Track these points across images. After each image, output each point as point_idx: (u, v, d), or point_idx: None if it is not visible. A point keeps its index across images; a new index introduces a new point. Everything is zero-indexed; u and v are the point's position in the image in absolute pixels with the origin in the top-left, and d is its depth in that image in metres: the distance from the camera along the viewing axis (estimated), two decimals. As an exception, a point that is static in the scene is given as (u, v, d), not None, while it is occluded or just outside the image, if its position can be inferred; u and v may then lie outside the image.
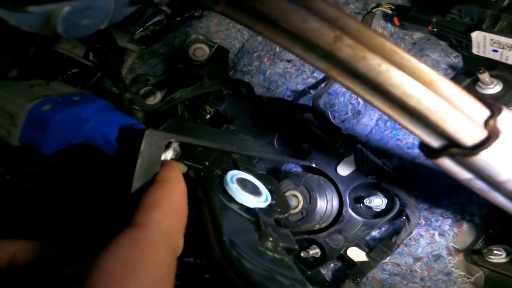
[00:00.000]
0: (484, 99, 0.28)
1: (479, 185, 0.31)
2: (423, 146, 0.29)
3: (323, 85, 0.69)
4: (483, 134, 0.26)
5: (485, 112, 0.27)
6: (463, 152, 0.26)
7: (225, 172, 0.44)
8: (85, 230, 0.39)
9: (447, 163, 0.28)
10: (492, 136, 0.26)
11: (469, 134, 0.26)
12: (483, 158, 0.26)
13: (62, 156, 0.40)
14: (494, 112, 0.27)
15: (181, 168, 0.43)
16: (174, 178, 0.36)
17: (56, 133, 0.38)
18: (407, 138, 0.61)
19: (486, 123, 0.27)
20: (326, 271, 0.68)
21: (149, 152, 0.36)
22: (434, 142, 0.28)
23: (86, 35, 0.32)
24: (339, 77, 0.26)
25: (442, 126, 0.26)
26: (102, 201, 0.40)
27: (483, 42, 0.56)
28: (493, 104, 0.27)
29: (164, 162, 0.38)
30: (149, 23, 0.78)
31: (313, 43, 0.25)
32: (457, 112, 0.26)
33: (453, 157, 0.27)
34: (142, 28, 0.76)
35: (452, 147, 0.27)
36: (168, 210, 0.32)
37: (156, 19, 0.79)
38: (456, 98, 0.26)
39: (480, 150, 0.26)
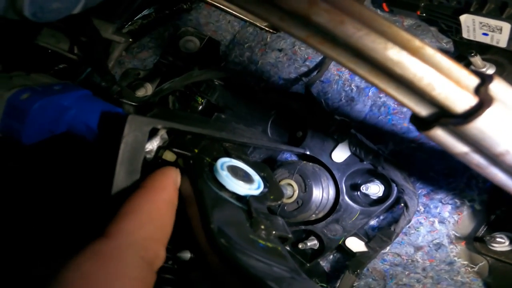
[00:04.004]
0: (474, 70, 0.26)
1: (476, 160, 0.29)
2: (414, 118, 0.28)
3: (315, 73, 0.67)
4: (474, 101, 0.25)
5: (474, 80, 0.26)
6: (455, 121, 0.25)
7: (215, 159, 0.42)
8: (69, 224, 0.38)
9: (440, 134, 0.26)
10: (485, 103, 0.25)
11: (460, 101, 0.25)
12: (477, 127, 0.25)
13: (45, 146, 0.39)
14: (486, 80, 0.26)
15: (169, 156, 0.42)
16: (159, 185, 0.33)
17: (36, 121, 0.37)
18: (402, 123, 0.60)
19: (477, 91, 0.25)
20: (326, 263, 0.67)
21: (133, 138, 0.34)
22: (424, 112, 0.27)
23: (56, 19, 0.30)
24: (319, 45, 0.25)
25: (430, 93, 0.25)
26: (86, 193, 0.38)
27: (472, 26, 0.54)
28: (484, 73, 0.26)
29: (157, 169, 0.35)
30: (137, 17, 0.77)
31: (287, 9, 0.24)
32: (445, 78, 0.25)
33: (445, 127, 0.26)
34: (130, 22, 0.75)
35: (444, 116, 0.26)
36: (145, 219, 0.29)
37: (145, 12, 0.78)
38: (443, 65, 0.25)
39: (473, 118, 0.24)
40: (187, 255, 0.42)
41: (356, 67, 0.26)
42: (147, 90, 0.69)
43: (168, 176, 0.35)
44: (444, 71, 0.25)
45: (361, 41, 0.24)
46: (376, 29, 0.24)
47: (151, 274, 0.28)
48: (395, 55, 0.24)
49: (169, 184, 0.34)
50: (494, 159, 0.28)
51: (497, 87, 0.26)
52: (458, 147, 0.28)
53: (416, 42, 0.25)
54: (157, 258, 0.29)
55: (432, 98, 0.25)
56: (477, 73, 0.27)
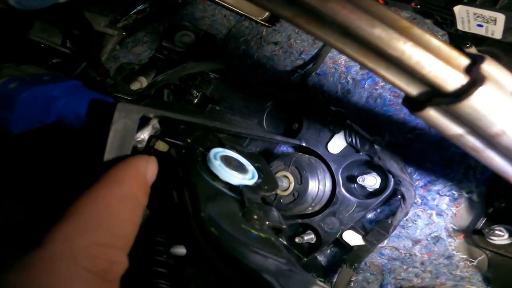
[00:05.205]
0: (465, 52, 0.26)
1: (472, 142, 0.29)
2: (407, 100, 0.27)
3: (311, 65, 0.67)
4: (466, 80, 0.25)
5: (465, 60, 0.26)
6: (448, 100, 0.25)
7: (208, 149, 0.42)
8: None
9: (433, 114, 0.26)
10: (477, 82, 0.24)
11: (451, 80, 0.25)
12: (471, 105, 0.24)
13: (34, 136, 0.38)
14: (477, 60, 0.25)
15: (161, 146, 0.42)
16: (114, 178, 0.29)
17: (25, 110, 0.37)
18: (398, 114, 0.59)
19: (469, 70, 0.25)
20: (323, 258, 0.66)
21: (122, 125, 0.34)
22: (416, 92, 0.26)
23: (42, 8, 0.30)
24: (306, 25, 0.25)
25: (419, 71, 0.24)
26: (75, 184, 0.38)
27: (466, 17, 0.54)
28: (476, 54, 0.26)
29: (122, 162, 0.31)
30: (132, 12, 0.76)
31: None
32: (434, 58, 0.25)
33: (438, 106, 0.25)
34: (125, 17, 0.75)
35: (436, 96, 0.25)
36: (91, 222, 0.26)
37: (139, 7, 0.77)
38: (432, 45, 0.25)
39: (466, 96, 0.24)
40: (182, 250, 0.41)
41: (344, 47, 0.25)
42: (142, 83, 0.69)
43: (130, 167, 0.30)
44: (434, 50, 0.25)
45: (347, 18, 0.23)
46: (362, 7, 0.24)
47: (105, 285, 0.24)
48: (382, 33, 0.24)
49: (129, 177, 0.29)
50: (490, 140, 0.27)
51: (489, 67, 0.26)
52: (453, 128, 0.27)
53: (404, 22, 0.25)
54: (114, 265, 0.26)
55: (422, 76, 0.25)
56: (468, 54, 0.26)
